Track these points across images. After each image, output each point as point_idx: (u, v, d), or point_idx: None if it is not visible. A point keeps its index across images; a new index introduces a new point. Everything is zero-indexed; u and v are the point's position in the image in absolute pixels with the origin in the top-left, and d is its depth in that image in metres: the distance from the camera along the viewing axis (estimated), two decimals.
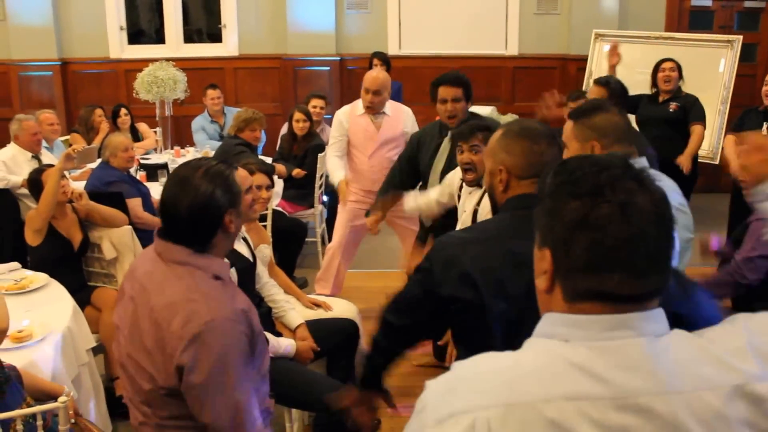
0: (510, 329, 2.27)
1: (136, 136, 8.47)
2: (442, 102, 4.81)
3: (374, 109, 5.72)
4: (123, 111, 8.52)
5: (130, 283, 2.63)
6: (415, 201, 4.68)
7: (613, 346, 1.33)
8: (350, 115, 5.83)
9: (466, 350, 2.35)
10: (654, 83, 7.21)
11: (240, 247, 3.92)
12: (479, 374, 1.39)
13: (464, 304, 2.37)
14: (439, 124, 4.99)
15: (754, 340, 1.39)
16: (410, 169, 5.11)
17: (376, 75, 5.76)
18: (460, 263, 2.37)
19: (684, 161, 6.76)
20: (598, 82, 5.44)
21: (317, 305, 4.67)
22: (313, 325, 4.31)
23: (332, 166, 5.95)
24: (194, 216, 2.50)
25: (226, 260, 2.70)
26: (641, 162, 2.94)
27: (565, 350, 1.35)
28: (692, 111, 7.02)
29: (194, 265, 2.52)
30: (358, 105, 5.81)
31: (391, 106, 5.84)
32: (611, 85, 5.16)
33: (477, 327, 2.39)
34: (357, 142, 5.85)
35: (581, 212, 1.35)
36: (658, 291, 1.38)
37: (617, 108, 3.10)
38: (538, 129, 2.54)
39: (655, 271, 1.37)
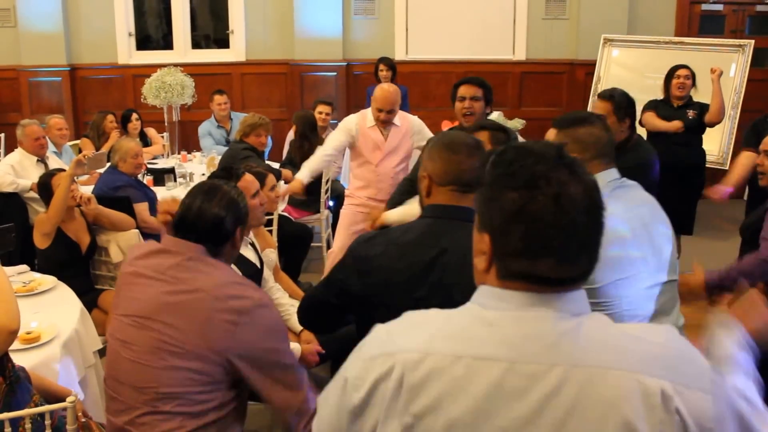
0: None
1: (145, 141, 8.50)
2: (460, 100, 4.86)
3: (387, 125, 5.73)
4: (134, 116, 8.55)
5: (138, 277, 2.84)
6: (398, 213, 4.62)
7: (526, 317, 1.45)
8: (360, 126, 5.81)
9: None
10: (666, 89, 7.08)
11: (248, 252, 3.94)
12: (412, 324, 1.56)
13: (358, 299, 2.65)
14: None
15: (678, 345, 1.48)
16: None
17: (387, 95, 5.68)
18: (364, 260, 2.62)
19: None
20: (603, 96, 5.42)
21: None
22: None
23: (311, 161, 5.94)
24: (208, 233, 2.86)
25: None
26: (611, 173, 3.03)
27: (486, 316, 1.48)
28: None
29: (200, 260, 2.81)
30: (368, 116, 5.79)
31: (399, 117, 5.82)
32: (616, 98, 5.14)
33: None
34: (364, 151, 5.85)
35: (518, 204, 1.44)
36: (584, 275, 1.50)
37: (602, 123, 3.10)
38: (461, 141, 2.71)
39: (584, 257, 1.48)
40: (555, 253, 1.44)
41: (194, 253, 2.80)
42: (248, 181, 3.92)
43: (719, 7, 10.32)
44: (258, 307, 2.71)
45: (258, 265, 4.05)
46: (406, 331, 1.53)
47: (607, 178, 2.99)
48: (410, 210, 4.45)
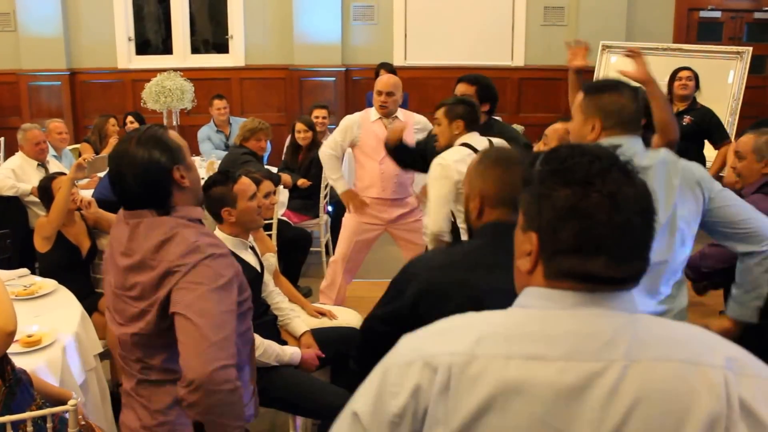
0: None
1: None
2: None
3: (388, 110, 5.69)
4: (129, 119, 8.57)
5: (111, 253, 2.70)
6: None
7: (578, 315, 1.41)
8: (363, 121, 5.81)
9: None
10: (669, 91, 7.01)
11: (248, 256, 3.95)
12: (452, 327, 1.49)
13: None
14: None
15: (729, 347, 1.44)
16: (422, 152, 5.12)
17: (388, 77, 5.80)
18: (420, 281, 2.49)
19: None
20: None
21: (322, 314, 4.69)
22: (317, 334, 4.33)
23: (331, 164, 5.91)
24: (142, 183, 2.53)
25: (198, 208, 2.72)
26: (634, 143, 2.94)
27: (535, 316, 1.44)
28: (717, 131, 6.83)
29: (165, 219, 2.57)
30: (371, 112, 5.80)
31: (403, 113, 5.84)
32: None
33: None
34: (368, 148, 5.81)
35: (572, 200, 1.41)
36: (636, 277, 1.45)
37: (632, 93, 3.02)
38: (515, 158, 2.57)
39: (637, 258, 1.44)
40: (608, 251, 1.40)
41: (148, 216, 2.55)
42: (245, 184, 3.96)
43: (717, 14, 10.35)
44: (209, 258, 2.47)
45: (258, 269, 4.06)
46: (446, 335, 1.47)
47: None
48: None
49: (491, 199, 2.51)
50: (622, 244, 1.41)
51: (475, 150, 4.15)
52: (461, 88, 4.96)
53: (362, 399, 1.50)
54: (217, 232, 3.93)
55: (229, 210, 3.87)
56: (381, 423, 1.44)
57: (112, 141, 8.12)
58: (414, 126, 5.81)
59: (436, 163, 4.23)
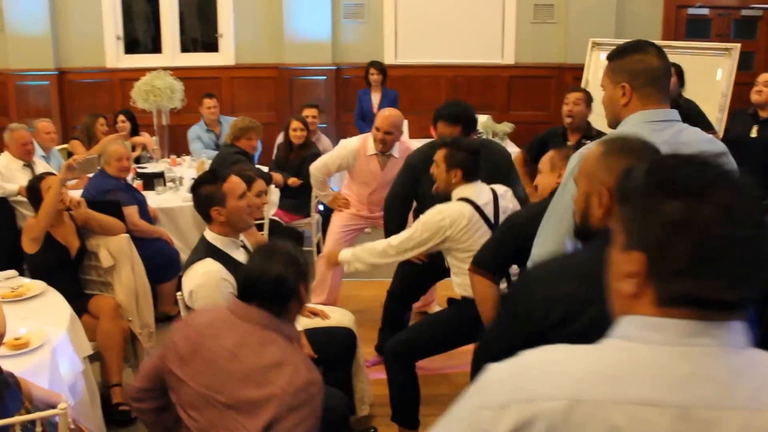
0: None
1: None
2: (440, 137, 4.66)
3: (385, 147, 5.66)
4: (120, 117, 8.51)
5: (209, 338, 2.91)
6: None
7: (692, 353, 1.28)
8: (359, 153, 5.79)
9: None
10: None
11: (240, 255, 3.92)
12: (547, 362, 1.35)
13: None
14: (432, 146, 4.92)
15: None
16: (407, 197, 5.09)
17: (389, 114, 5.66)
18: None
19: None
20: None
21: (314, 314, 4.65)
22: (310, 334, 4.30)
23: (319, 185, 6.08)
24: (273, 290, 2.90)
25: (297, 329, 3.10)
26: (673, 114, 2.82)
27: (642, 353, 1.29)
28: (702, 123, 6.82)
29: (274, 328, 2.89)
30: (369, 144, 5.74)
31: (399, 147, 5.77)
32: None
33: None
34: (360, 179, 5.89)
35: (682, 213, 1.27)
36: (750, 300, 1.32)
37: (656, 50, 2.94)
38: (642, 145, 2.28)
39: (758, 280, 1.30)
40: (726, 271, 1.26)
41: (257, 323, 2.89)
42: (234, 182, 3.92)
43: (705, 11, 10.43)
44: (308, 389, 2.77)
45: None
46: (541, 374, 1.32)
47: (646, 118, 2.78)
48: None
49: None
50: (739, 262, 1.26)
51: (476, 206, 4.14)
52: (446, 130, 4.68)
53: None
54: (207, 233, 3.90)
55: (219, 209, 3.83)
56: None
57: (111, 137, 8.04)
58: None
59: (437, 210, 4.20)
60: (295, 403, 2.71)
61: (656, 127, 2.72)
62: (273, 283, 2.89)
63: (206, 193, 3.86)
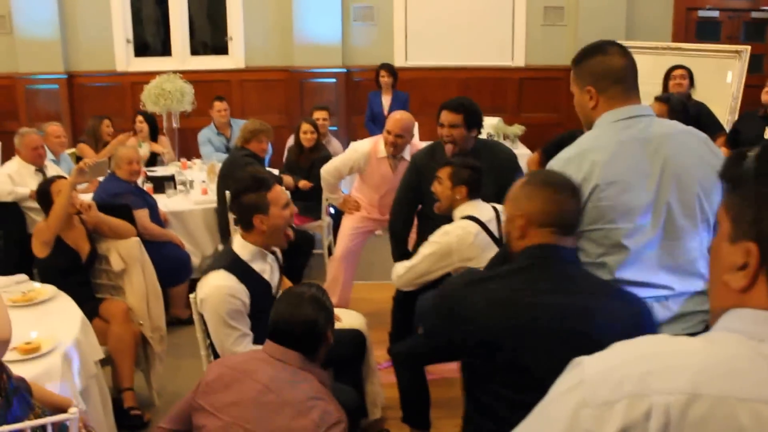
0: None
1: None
2: (440, 126, 4.73)
3: (396, 150, 5.64)
4: (138, 118, 8.51)
5: (244, 374, 2.98)
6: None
7: None
8: (370, 157, 5.78)
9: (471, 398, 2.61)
10: (665, 90, 7.09)
11: (265, 268, 3.84)
12: (657, 355, 1.23)
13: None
14: (436, 144, 4.96)
15: None
16: (414, 198, 5.06)
17: (400, 117, 5.63)
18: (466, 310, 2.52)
19: None
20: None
21: None
22: None
23: (329, 188, 6.12)
24: (303, 334, 3.04)
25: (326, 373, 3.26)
26: (642, 109, 2.81)
27: (763, 349, 1.18)
28: (712, 124, 6.82)
29: (309, 369, 3.02)
30: (380, 147, 5.73)
31: (410, 150, 5.72)
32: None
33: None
34: (371, 182, 5.89)
35: None
36: None
37: (618, 48, 2.93)
38: (563, 179, 2.56)
39: None
40: None
41: (292, 363, 3.00)
42: (278, 191, 3.83)
43: (715, 13, 10.43)
44: (337, 424, 2.86)
45: (273, 283, 3.92)
46: (652, 367, 1.20)
47: (613, 117, 2.78)
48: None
49: (537, 219, 2.50)
50: None
51: (481, 223, 4.15)
52: (447, 117, 4.72)
53: None
54: (236, 241, 3.85)
55: (261, 217, 3.74)
56: None
57: (122, 138, 8.04)
58: None
59: (443, 231, 4.21)
60: None
61: (623, 125, 2.74)
62: (303, 328, 3.02)
63: (250, 201, 3.75)
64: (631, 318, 2.41)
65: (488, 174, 4.39)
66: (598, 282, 2.55)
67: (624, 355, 1.26)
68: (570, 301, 2.42)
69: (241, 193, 3.78)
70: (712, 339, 1.24)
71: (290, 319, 3.03)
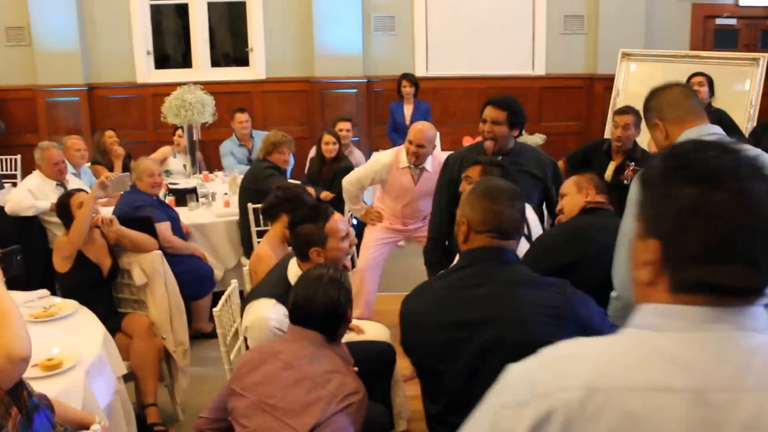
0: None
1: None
2: (482, 121, 4.66)
3: (418, 161, 5.62)
4: (178, 132, 8.53)
5: (269, 355, 3.08)
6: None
7: (706, 338, 1.27)
8: (392, 167, 5.76)
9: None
10: None
11: None
12: (563, 357, 1.36)
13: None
14: (472, 148, 4.92)
15: None
16: (453, 197, 4.98)
17: (422, 128, 5.62)
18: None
19: None
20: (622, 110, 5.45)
21: (349, 328, 4.57)
22: (348, 349, 4.21)
23: (351, 200, 6.11)
24: (326, 314, 3.09)
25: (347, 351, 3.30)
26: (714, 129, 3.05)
27: (657, 340, 1.29)
28: (733, 131, 6.81)
29: (329, 347, 3.10)
30: (402, 157, 5.71)
31: (432, 161, 5.70)
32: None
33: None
34: (393, 192, 5.88)
35: (696, 199, 1.27)
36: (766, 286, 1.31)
37: (681, 87, 3.22)
38: (502, 189, 2.79)
39: None
40: (740, 256, 1.26)
41: (312, 342, 3.08)
42: (336, 222, 3.76)
43: (733, 21, 10.48)
44: (355, 397, 2.94)
45: None
46: (559, 366, 1.33)
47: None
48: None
49: (477, 226, 2.71)
50: (753, 246, 1.26)
51: None
52: (491, 113, 4.65)
53: None
54: (292, 267, 3.76)
55: (318, 250, 3.67)
56: None
57: (118, 150, 7.98)
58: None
59: None
60: (341, 408, 2.85)
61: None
62: (324, 310, 3.07)
63: (307, 233, 3.68)
64: (552, 307, 2.55)
65: (529, 178, 4.47)
66: (523, 274, 2.71)
67: (541, 359, 1.36)
68: (492, 291, 2.61)
69: (298, 223, 3.72)
70: (617, 336, 1.36)
71: (311, 303, 3.08)
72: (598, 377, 1.26)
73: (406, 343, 2.79)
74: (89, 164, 7.89)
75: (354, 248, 7.37)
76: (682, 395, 1.22)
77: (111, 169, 7.78)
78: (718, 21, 10.44)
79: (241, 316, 3.83)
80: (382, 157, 5.90)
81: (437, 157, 5.78)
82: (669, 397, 1.22)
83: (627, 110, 6.01)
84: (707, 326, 1.28)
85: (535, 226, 4.33)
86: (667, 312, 1.31)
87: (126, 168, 7.68)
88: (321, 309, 3.07)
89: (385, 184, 5.90)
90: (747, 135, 6.86)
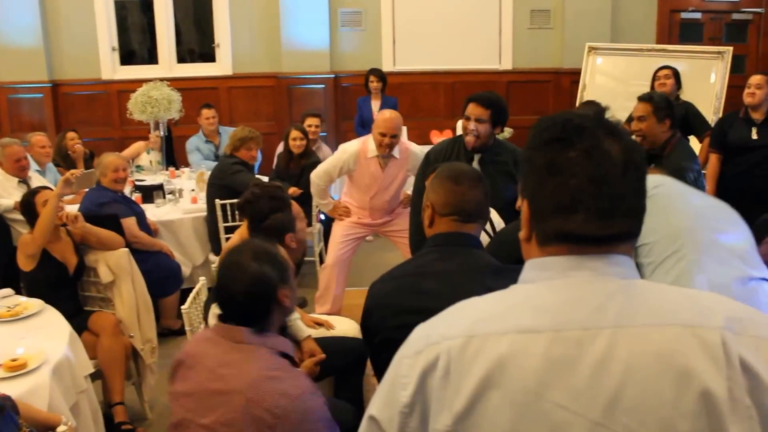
0: None
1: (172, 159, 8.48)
2: (465, 118, 4.63)
3: (391, 151, 5.64)
4: (156, 133, 8.45)
5: (192, 369, 2.71)
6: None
7: (567, 283, 1.39)
8: (359, 156, 5.75)
9: None
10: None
11: None
12: (455, 311, 1.48)
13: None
14: (453, 142, 4.89)
15: (739, 304, 1.42)
16: None
17: (390, 116, 5.61)
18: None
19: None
20: (642, 98, 5.37)
21: (319, 324, 4.56)
22: (319, 344, 4.19)
23: (319, 194, 6.05)
24: (248, 294, 2.67)
25: (287, 341, 2.85)
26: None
27: (529, 290, 1.42)
28: (699, 124, 6.88)
29: (260, 344, 2.67)
30: (369, 146, 5.70)
31: (399, 148, 5.74)
32: (655, 99, 5.03)
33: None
34: (361, 183, 5.86)
35: (549, 157, 1.40)
36: (626, 236, 1.42)
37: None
38: (464, 172, 2.84)
39: (620, 215, 1.39)
40: (585, 207, 1.37)
41: (240, 341, 2.66)
42: (296, 205, 3.86)
43: (698, 15, 10.60)
44: (299, 404, 2.52)
45: None
46: (449, 321, 1.45)
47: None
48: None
49: (440, 209, 2.76)
50: (598, 198, 1.37)
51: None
52: (474, 110, 4.61)
53: (377, 398, 1.49)
54: None
55: (291, 235, 3.73)
56: (393, 416, 1.43)
57: (79, 149, 7.88)
58: (407, 168, 5.85)
59: None
60: (295, 418, 2.50)
61: None
62: (245, 287, 2.67)
63: (280, 221, 3.74)
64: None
65: (506, 174, 4.49)
66: (484, 260, 2.74)
67: (440, 316, 1.49)
68: (451, 277, 2.62)
69: (268, 214, 3.73)
70: (502, 292, 1.47)
71: (231, 286, 2.70)
72: (476, 325, 1.38)
73: (368, 324, 2.78)
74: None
75: (322, 244, 7.41)
76: (544, 335, 1.32)
77: (67, 170, 7.67)
78: (683, 15, 10.56)
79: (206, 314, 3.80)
80: (349, 147, 5.87)
81: (403, 143, 5.86)
82: (532, 338, 1.33)
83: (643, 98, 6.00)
84: (569, 273, 1.39)
85: (500, 226, 4.33)
86: (537, 264, 1.45)
87: (88, 167, 7.59)
88: (242, 292, 2.67)
89: (352, 176, 5.88)
90: (713, 126, 6.93)
